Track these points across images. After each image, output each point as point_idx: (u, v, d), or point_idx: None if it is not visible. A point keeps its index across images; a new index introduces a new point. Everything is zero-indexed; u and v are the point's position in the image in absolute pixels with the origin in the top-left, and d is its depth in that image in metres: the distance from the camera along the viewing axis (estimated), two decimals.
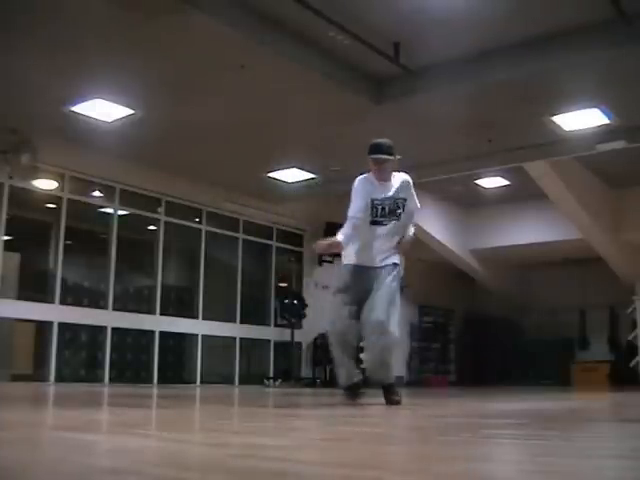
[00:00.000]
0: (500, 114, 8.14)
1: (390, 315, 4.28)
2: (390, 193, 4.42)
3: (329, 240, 4.31)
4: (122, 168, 9.71)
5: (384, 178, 4.44)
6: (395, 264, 4.46)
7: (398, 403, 4.37)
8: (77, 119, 8.17)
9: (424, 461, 1.65)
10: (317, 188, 10.97)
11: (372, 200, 4.39)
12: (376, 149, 4.41)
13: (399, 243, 4.51)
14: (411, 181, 4.57)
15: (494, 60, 7.05)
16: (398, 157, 4.49)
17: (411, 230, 4.58)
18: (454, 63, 7.24)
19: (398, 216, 4.44)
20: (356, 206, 4.35)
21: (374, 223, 4.40)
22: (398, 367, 13.89)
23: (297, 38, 6.83)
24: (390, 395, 4.39)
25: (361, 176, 4.50)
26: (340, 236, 4.24)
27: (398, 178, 4.52)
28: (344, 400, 4.52)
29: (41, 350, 9.22)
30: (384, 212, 4.40)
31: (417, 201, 4.60)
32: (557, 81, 7.19)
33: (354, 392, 4.51)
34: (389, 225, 4.43)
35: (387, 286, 4.34)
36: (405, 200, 4.46)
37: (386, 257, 4.44)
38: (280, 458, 1.66)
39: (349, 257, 4.49)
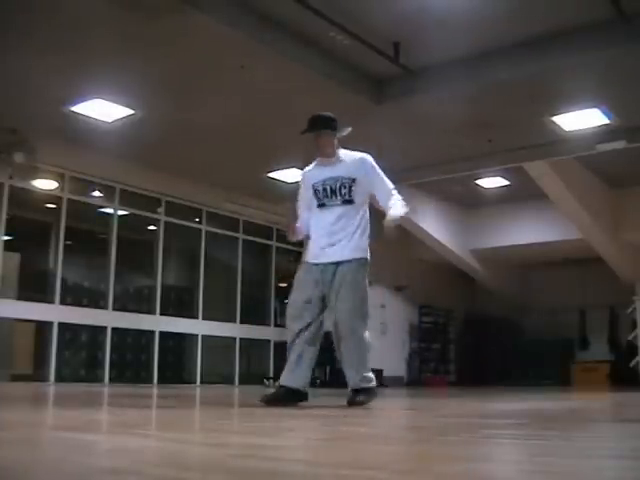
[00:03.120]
0: (500, 114, 8.14)
1: (360, 317, 3.98)
2: (333, 173, 4.03)
3: (287, 221, 4.15)
4: (122, 168, 9.71)
5: (325, 154, 4.08)
6: (360, 259, 4.03)
7: (361, 404, 3.95)
8: (77, 119, 8.17)
9: (424, 461, 1.65)
10: None
11: (313, 185, 4.08)
12: (310, 124, 4.04)
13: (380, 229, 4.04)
14: (370, 160, 4.12)
15: (494, 60, 7.05)
16: (347, 130, 4.13)
17: (397, 209, 4.03)
18: (454, 63, 7.24)
19: (344, 197, 4.00)
20: (300, 197, 4.19)
21: (320, 206, 4.07)
22: (398, 367, 14.00)
23: (297, 38, 6.83)
24: (355, 396, 3.98)
25: (304, 170, 4.24)
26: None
27: (350, 156, 4.11)
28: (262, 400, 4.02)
29: (41, 350, 9.22)
30: (325, 193, 4.03)
31: (388, 180, 4.13)
32: (557, 81, 7.19)
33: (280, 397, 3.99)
34: (337, 208, 4.02)
35: (351, 285, 3.96)
36: (353, 180, 4.00)
37: (346, 249, 4.00)
38: (280, 458, 1.66)
39: (307, 253, 4.15)
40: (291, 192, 4.29)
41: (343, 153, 4.14)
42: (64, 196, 9.39)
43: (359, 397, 3.99)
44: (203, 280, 11.14)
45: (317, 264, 4.06)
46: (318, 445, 2.06)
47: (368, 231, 4.15)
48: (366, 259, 4.09)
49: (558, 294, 15.15)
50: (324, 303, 4.05)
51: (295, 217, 4.24)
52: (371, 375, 4.07)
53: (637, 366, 11.98)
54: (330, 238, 4.04)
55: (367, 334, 4.04)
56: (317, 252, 4.08)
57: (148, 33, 6.32)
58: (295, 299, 4.07)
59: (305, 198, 4.19)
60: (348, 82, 7.56)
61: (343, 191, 4.01)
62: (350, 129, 4.15)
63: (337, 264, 4.02)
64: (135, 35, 6.35)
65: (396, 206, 4.06)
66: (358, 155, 4.14)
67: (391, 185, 4.15)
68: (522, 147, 9.21)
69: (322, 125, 4.05)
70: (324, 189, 4.04)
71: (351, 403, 3.98)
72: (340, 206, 4.03)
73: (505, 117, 8.23)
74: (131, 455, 1.64)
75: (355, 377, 4.01)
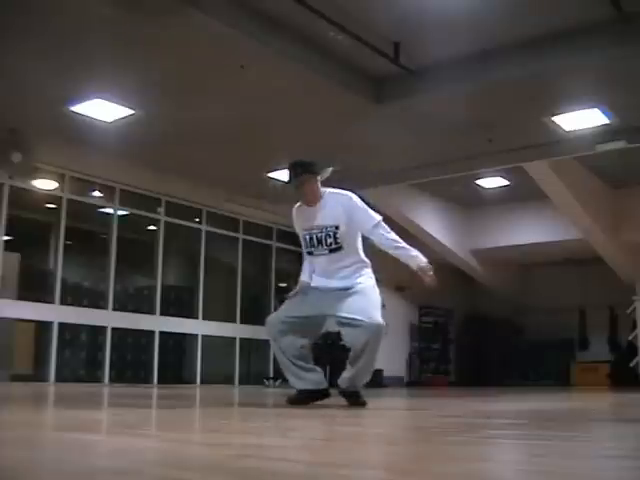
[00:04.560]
0: (500, 114, 8.14)
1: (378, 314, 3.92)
2: (317, 221, 3.96)
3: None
4: (122, 168, 9.71)
5: (309, 201, 4.01)
6: (367, 284, 4.00)
7: (364, 404, 4.00)
8: (77, 119, 8.17)
9: (424, 461, 1.65)
10: None
11: (302, 230, 4.06)
12: (290, 171, 3.97)
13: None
14: (352, 196, 3.98)
15: (494, 60, 7.05)
16: (328, 171, 4.01)
17: (410, 251, 3.99)
18: (454, 63, 7.24)
19: (330, 246, 3.94)
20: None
21: (308, 254, 4.07)
22: (398, 367, 14.00)
23: (297, 38, 6.83)
24: (355, 399, 4.02)
25: (295, 206, 4.19)
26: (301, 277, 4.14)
27: (333, 199, 3.98)
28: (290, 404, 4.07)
29: (41, 350, 9.23)
30: (312, 242, 4.00)
31: (373, 214, 3.99)
32: (557, 81, 7.19)
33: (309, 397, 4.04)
34: (325, 257, 4.00)
35: (363, 288, 3.95)
36: (337, 227, 3.90)
37: (348, 279, 3.99)
38: (280, 458, 1.66)
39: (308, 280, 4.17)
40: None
41: (327, 195, 4.02)
42: (64, 196, 9.39)
43: (361, 398, 4.01)
44: (203, 280, 11.14)
45: (315, 287, 4.09)
46: (318, 445, 2.06)
47: (368, 265, 4.11)
48: (373, 282, 4.06)
49: (558, 294, 15.15)
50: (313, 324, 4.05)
51: None
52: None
53: (637, 366, 11.97)
54: (327, 275, 4.05)
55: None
56: (319, 280, 4.09)
57: (148, 33, 6.32)
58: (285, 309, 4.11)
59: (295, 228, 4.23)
60: (348, 82, 7.56)
61: (329, 240, 3.95)
62: (331, 169, 4.05)
63: (340, 289, 3.99)
64: (135, 35, 6.34)
65: (410, 256, 3.98)
66: (341, 197, 4.00)
67: (377, 217, 4.01)
68: (522, 147, 9.20)
69: (302, 171, 3.95)
70: (311, 238, 4.01)
71: (353, 403, 3.99)
72: (328, 255, 3.99)
73: (505, 117, 8.23)
74: (131, 455, 1.64)
75: (354, 379, 3.99)
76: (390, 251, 4.02)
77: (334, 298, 3.96)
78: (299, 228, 4.13)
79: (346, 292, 3.96)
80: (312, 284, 4.12)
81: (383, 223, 4.02)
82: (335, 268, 4.02)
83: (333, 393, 4.15)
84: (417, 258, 3.97)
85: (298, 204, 4.16)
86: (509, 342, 15.72)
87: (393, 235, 4.02)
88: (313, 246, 4.01)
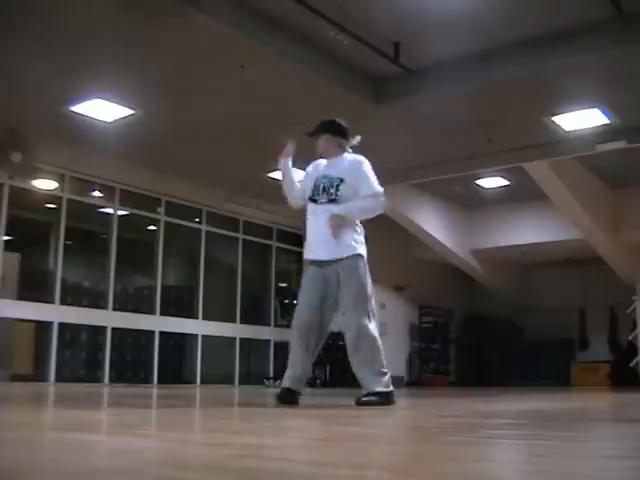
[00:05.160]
0: (500, 114, 8.14)
1: (366, 315, 3.97)
2: (327, 171, 4.21)
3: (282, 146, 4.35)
4: (122, 168, 9.72)
5: (326, 156, 4.30)
6: (355, 255, 4.07)
7: (369, 404, 3.90)
8: (77, 119, 8.17)
9: (424, 461, 1.65)
10: None
11: (312, 179, 4.26)
12: (316, 126, 4.34)
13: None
14: (364, 161, 4.23)
15: (494, 60, 7.05)
16: (356, 139, 4.31)
17: (358, 203, 4.09)
18: (454, 63, 7.24)
19: (330, 196, 4.10)
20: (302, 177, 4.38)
21: (311, 201, 4.21)
22: (398, 367, 14.00)
23: (297, 38, 6.83)
24: (366, 396, 3.95)
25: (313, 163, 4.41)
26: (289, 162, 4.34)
27: (348, 159, 4.27)
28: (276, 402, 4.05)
29: (41, 350, 9.23)
30: (317, 190, 4.17)
31: (374, 183, 4.15)
32: (557, 81, 7.19)
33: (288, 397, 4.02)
34: (322, 206, 4.12)
35: (346, 283, 4.01)
36: (341, 180, 4.11)
37: (340, 246, 4.05)
38: (280, 458, 1.66)
39: (305, 249, 4.26)
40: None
41: (346, 155, 4.29)
42: (64, 196, 9.39)
43: (370, 397, 3.93)
44: (203, 280, 11.14)
45: (313, 261, 4.16)
46: (318, 445, 2.06)
47: (359, 227, 4.19)
48: (359, 255, 4.09)
49: (558, 294, 15.15)
50: (328, 304, 4.11)
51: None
52: (386, 379, 4.03)
53: (637, 366, 11.97)
54: (318, 235, 4.13)
55: (377, 333, 4.01)
56: (311, 248, 4.20)
57: (148, 33, 6.32)
58: (300, 303, 4.19)
59: (303, 182, 4.36)
60: (348, 82, 7.56)
61: (331, 190, 4.13)
62: (359, 137, 4.28)
63: (335, 262, 4.08)
64: (135, 35, 6.35)
65: (346, 206, 4.09)
66: (354, 158, 4.27)
67: (376, 189, 4.14)
68: (522, 147, 9.21)
69: (321, 129, 4.30)
70: (316, 185, 4.19)
71: (359, 403, 3.93)
72: (325, 204, 4.12)
73: (505, 117, 8.23)
74: (131, 455, 1.64)
75: (368, 378, 3.97)
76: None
77: (325, 280, 4.08)
78: (310, 178, 4.26)
79: (337, 272, 4.04)
80: (307, 256, 4.21)
81: (378, 197, 4.15)
82: (325, 227, 4.05)
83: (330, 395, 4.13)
84: (341, 210, 4.07)
85: (318, 161, 4.36)
86: (509, 342, 15.72)
87: (366, 202, 4.14)
88: (317, 193, 4.17)
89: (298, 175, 4.42)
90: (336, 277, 4.06)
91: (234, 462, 1.54)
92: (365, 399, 3.93)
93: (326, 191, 4.14)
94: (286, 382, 4.06)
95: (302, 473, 1.40)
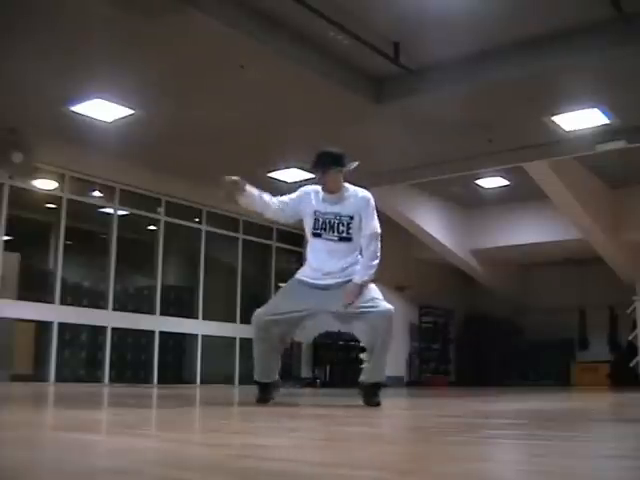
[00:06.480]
0: (500, 114, 8.14)
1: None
2: (335, 209, 4.06)
3: (235, 178, 4.05)
4: (122, 168, 9.71)
5: (330, 189, 4.09)
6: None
7: (378, 404, 4.02)
8: (77, 119, 8.17)
9: (424, 461, 1.65)
10: None
11: (315, 212, 4.08)
12: (318, 160, 4.09)
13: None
14: (371, 199, 4.12)
15: (494, 60, 7.05)
16: (353, 165, 4.09)
17: (368, 262, 4.04)
18: (454, 63, 7.24)
19: (341, 234, 4.03)
20: (289, 198, 4.18)
21: (315, 235, 4.09)
22: (398, 367, 13.99)
23: (297, 38, 6.83)
24: (372, 397, 4.04)
25: (308, 187, 4.20)
26: (254, 190, 4.09)
27: (352, 193, 4.12)
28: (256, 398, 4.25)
29: (41, 350, 9.22)
30: (324, 226, 4.05)
31: (376, 224, 4.10)
32: (557, 81, 7.19)
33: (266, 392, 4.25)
34: (332, 244, 4.04)
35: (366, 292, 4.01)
36: (352, 218, 4.04)
37: (347, 275, 4.03)
38: (280, 458, 1.66)
39: (301, 272, 4.18)
40: (291, 192, 4.26)
41: (347, 189, 4.14)
42: (64, 196, 9.38)
43: (376, 398, 4.03)
44: (203, 280, 11.13)
45: (311, 284, 4.09)
46: (318, 445, 2.06)
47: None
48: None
49: (558, 294, 15.15)
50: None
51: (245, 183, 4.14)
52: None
53: (637, 366, 11.97)
54: (324, 268, 4.07)
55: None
56: (313, 275, 4.10)
57: (148, 33, 6.32)
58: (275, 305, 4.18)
59: (298, 208, 4.17)
60: (348, 82, 7.56)
61: (341, 228, 4.04)
62: (357, 163, 4.13)
63: (335, 286, 4.04)
64: (135, 35, 6.34)
65: (364, 270, 4.03)
66: (361, 193, 4.14)
67: (376, 229, 4.10)
68: (522, 147, 9.21)
69: (330, 163, 4.06)
70: (323, 221, 4.06)
71: (369, 403, 4.01)
72: (336, 242, 4.05)
73: (505, 117, 8.23)
74: (131, 455, 1.64)
75: (374, 370, 4.04)
76: (361, 259, 4.11)
77: (329, 294, 4.01)
78: (310, 208, 4.11)
79: (343, 287, 4.00)
80: (301, 277, 4.14)
81: (378, 237, 4.09)
82: (336, 260, 4.05)
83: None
84: (362, 278, 4.00)
85: (314, 187, 4.18)
86: (509, 342, 15.72)
87: (373, 250, 4.06)
88: (324, 229, 4.05)
89: (266, 195, 4.19)
90: (331, 298, 4.02)
91: (234, 462, 1.54)
92: (374, 399, 4.02)
93: (334, 228, 4.04)
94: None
95: (302, 473, 1.40)
